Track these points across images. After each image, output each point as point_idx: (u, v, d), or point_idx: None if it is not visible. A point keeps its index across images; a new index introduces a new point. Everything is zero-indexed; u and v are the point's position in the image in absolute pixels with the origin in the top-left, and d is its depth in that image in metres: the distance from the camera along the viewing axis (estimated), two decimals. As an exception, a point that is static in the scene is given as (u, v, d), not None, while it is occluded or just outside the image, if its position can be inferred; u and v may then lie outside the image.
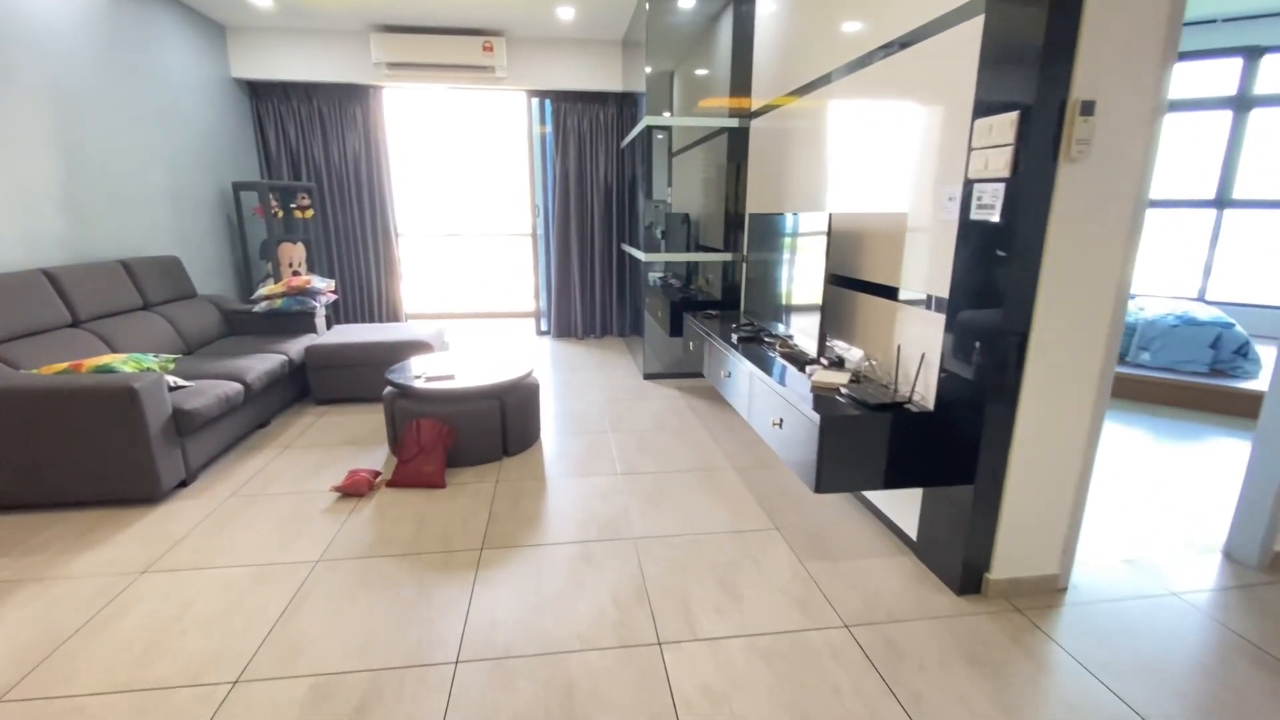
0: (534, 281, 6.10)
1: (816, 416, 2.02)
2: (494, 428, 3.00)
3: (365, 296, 5.76)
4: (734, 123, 4.11)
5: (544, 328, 6.19)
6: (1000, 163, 1.72)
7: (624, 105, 5.61)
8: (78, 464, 2.47)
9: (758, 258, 3.34)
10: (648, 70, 4.51)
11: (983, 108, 1.80)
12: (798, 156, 3.17)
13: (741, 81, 4.02)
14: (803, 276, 2.77)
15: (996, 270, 1.78)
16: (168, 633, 1.83)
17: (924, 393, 2.15)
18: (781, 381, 2.43)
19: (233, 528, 2.41)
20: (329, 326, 5.03)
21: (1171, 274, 5.81)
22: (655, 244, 4.86)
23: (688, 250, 4.59)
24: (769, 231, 3.16)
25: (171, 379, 2.84)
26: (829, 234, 2.46)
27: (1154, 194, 1.78)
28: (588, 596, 1.99)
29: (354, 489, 2.64)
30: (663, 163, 5.83)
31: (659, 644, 1.77)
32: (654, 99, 5.35)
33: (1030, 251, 1.73)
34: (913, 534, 2.26)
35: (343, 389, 3.89)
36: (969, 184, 1.86)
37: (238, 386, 3.07)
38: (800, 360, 2.70)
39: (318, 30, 5.00)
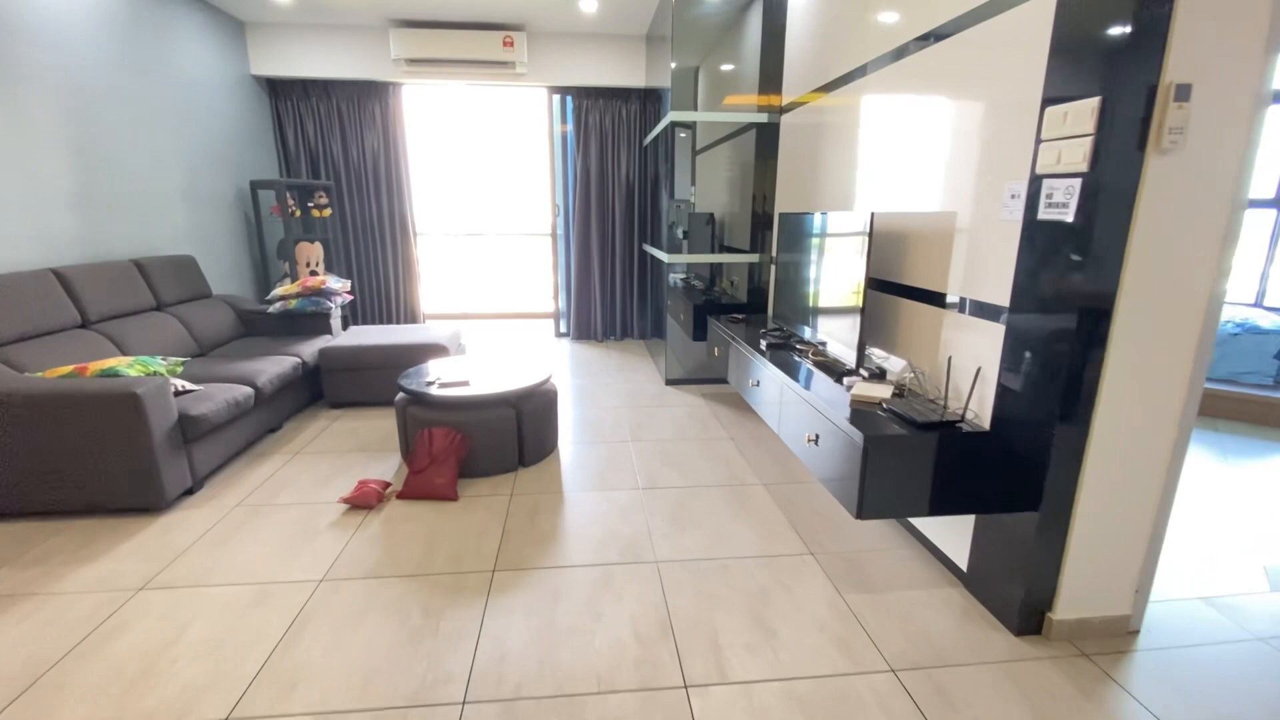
0: (553, 282, 5.97)
1: (859, 435, 1.84)
2: (509, 437, 2.87)
3: (383, 297, 5.68)
4: (763, 118, 3.92)
5: (563, 329, 6.06)
6: (1077, 156, 1.52)
7: (647, 101, 5.45)
8: (80, 472, 2.38)
9: (788, 259, 3.16)
10: (673, 65, 4.34)
11: (1055, 95, 1.61)
12: (832, 153, 2.98)
13: (771, 76, 3.84)
14: (838, 280, 2.58)
15: (1070, 276, 1.58)
16: (160, 659, 1.71)
17: (977, 410, 1.96)
18: (817, 394, 2.25)
19: (236, 541, 2.30)
20: (345, 327, 4.95)
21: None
22: (678, 244, 4.69)
23: (712, 251, 4.41)
24: (800, 232, 2.97)
25: (179, 382, 2.75)
26: (870, 234, 2.28)
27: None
28: (607, 628, 1.83)
29: (362, 501, 2.52)
30: (686, 161, 5.66)
31: (685, 687, 1.61)
32: (678, 95, 5.18)
33: (1110, 255, 1.53)
34: (962, 564, 2.06)
35: (357, 392, 3.79)
36: (1036, 180, 1.67)
37: (248, 390, 2.97)
38: (836, 370, 2.52)
39: (337, 26, 4.92)
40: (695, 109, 5.24)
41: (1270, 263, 5.33)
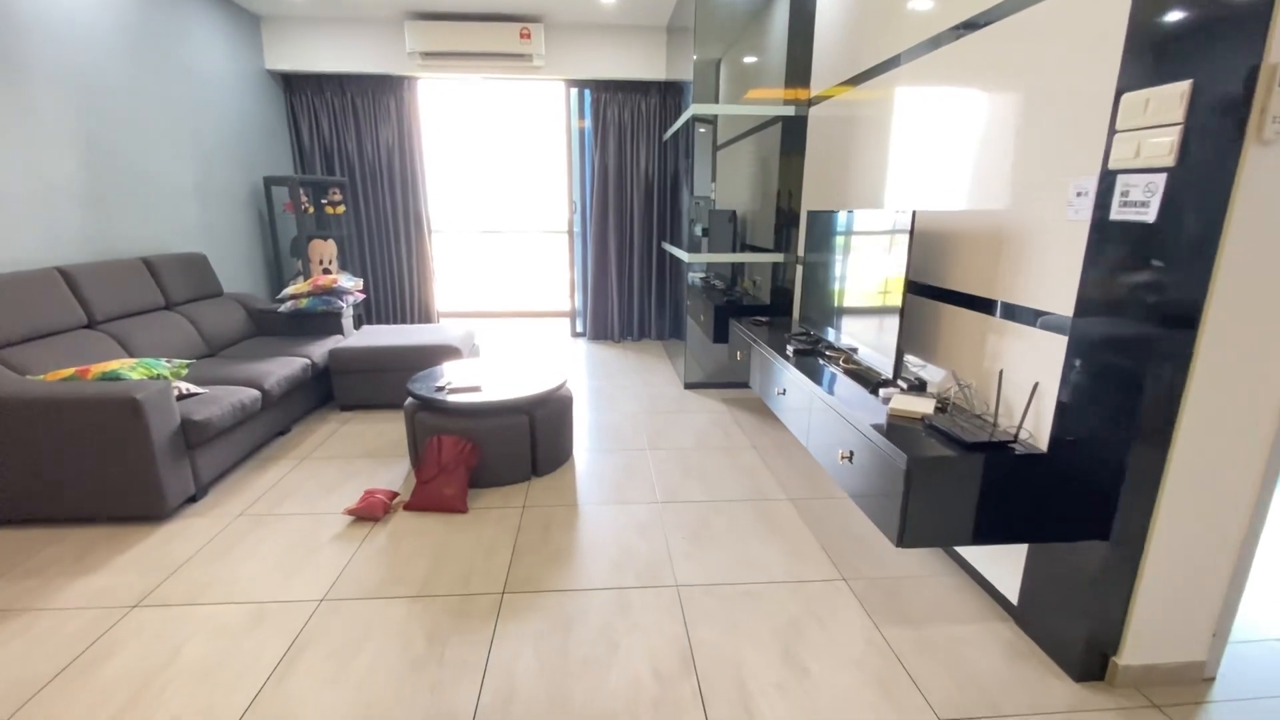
0: (570, 279, 5.84)
1: (902, 457, 1.68)
2: (522, 445, 2.74)
3: (397, 295, 5.59)
4: (789, 111, 3.75)
5: (579, 329, 5.93)
6: (1161, 148, 1.34)
7: (667, 95, 5.29)
8: (80, 479, 2.30)
9: (816, 259, 2.99)
10: (695, 57, 4.18)
11: (1134, 80, 1.42)
12: (866, 148, 2.80)
13: (799, 67, 3.66)
14: (872, 282, 2.41)
15: (1149, 282, 1.40)
16: (149, 686, 1.61)
17: (1032, 429, 1.78)
18: (850, 405, 2.09)
19: (236, 554, 2.19)
20: (358, 326, 4.87)
21: None
22: (698, 243, 4.53)
23: (734, 250, 4.25)
24: (830, 230, 2.80)
25: (184, 385, 2.66)
26: (911, 234, 2.10)
27: None
28: (623, 662, 1.69)
29: (368, 512, 2.41)
30: (706, 157, 5.49)
31: (709, 734, 1.47)
32: (699, 89, 5.02)
33: (1198, 259, 1.35)
34: (1013, 596, 1.88)
35: (367, 395, 3.69)
36: (1108, 176, 1.49)
37: (254, 393, 2.88)
38: (870, 380, 2.35)
39: (352, 19, 4.82)
40: (717, 103, 5.07)
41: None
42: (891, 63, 2.59)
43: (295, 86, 5.09)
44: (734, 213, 4.25)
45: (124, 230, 3.39)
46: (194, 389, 2.69)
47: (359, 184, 5.30)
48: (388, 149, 5.25)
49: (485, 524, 2.40)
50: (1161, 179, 1.35)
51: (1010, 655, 1.73)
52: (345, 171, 5.26)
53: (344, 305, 4.00)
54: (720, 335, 3.95)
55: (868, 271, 2.45)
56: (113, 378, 2.41)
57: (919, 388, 2.22)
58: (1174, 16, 1.33)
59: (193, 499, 2.57)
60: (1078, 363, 1.60)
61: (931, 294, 2.30)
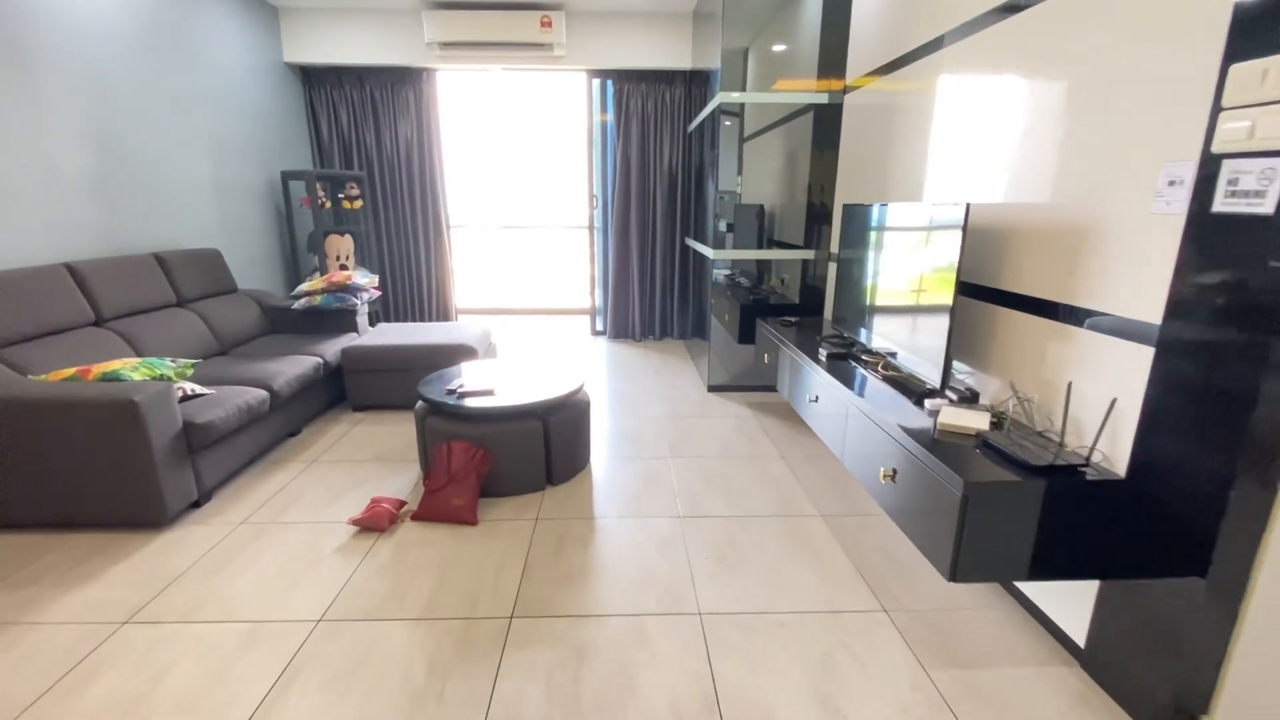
0: (590, 276, 5.69)
1: (958, 480, 1.49)
2: (536, 453, 2.59)
3: (415, 291, 5.50)
4: (823, 99, 3.53)
5: (599, 327, 5.78)
6: (1285, 125, 1.13)
7: (692, 85, 5.09)
8: (79, 484, 2.21)
9: (851, 256, 2.79)
10: (722, 44, 3.98)
11: (1248, 47, 1.21)
12: (907, 137, 2.58)
13: (833, 53, 3.44)
14: (915, 282, 2.20)
15: (1263, 285, 1.19)
16: (133, 713, 1.49)
17: (1107, 451, 1.57)
18: (892, 417, 1.89)
19: (235, 566, 2.08)
20: (374, 324, 4.78)
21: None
22: (723, 239, 4.34)
23: (760, 246, 4.05)
24: (868, 225, 2.59)
25: (189, 386, 2.57)
26: (964, 229, 1.89)
27: None
28: (640, 703, 1.53)
29: (373, 523, 2.29)
30: (732, 149, 5.29)
31: (736, 795, 1.30)
32: (726, 78, 4.81)
33: (1328, 261, 1.13)
34: (1079, 638, 1.68)
35: (380, 395, 3.59)
36: (1211, 161, 1.28)
37: (262, 394, 2.78)
38: (914, 389, 2.15)
39: (370, 10, 4.72)
40: (744, 93, 4.86)
41: None
42: (935, 45, 2.38)
43: (314, 80, 5.01)
44: (761, 207, 4.05)
45: (136, 225, 3.33)
46: (199, 390, 2.60)
47: (377, 179, 5.22)
48: (406, 143, 5.15)
49: (495, 537, 2.26)
50: (1283, 163, 1.14)
51: (1077, 706, 1.53)
52: (364, 166, 5.18)
53: (358, 302, 3.90)
54: (746, 336, 3.76)
55: (911, 270, 2.24)
56: (113, 378, 2.32)
57: (970, 399, 2.01)
58: (1304, -32, 1.12)
59: (196, 504, 2.48)
60: (1168, 377, 1.39)
61: (984, 295, 2.09)
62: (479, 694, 1.55)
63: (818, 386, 2.54)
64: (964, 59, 2.20)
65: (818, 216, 3.70)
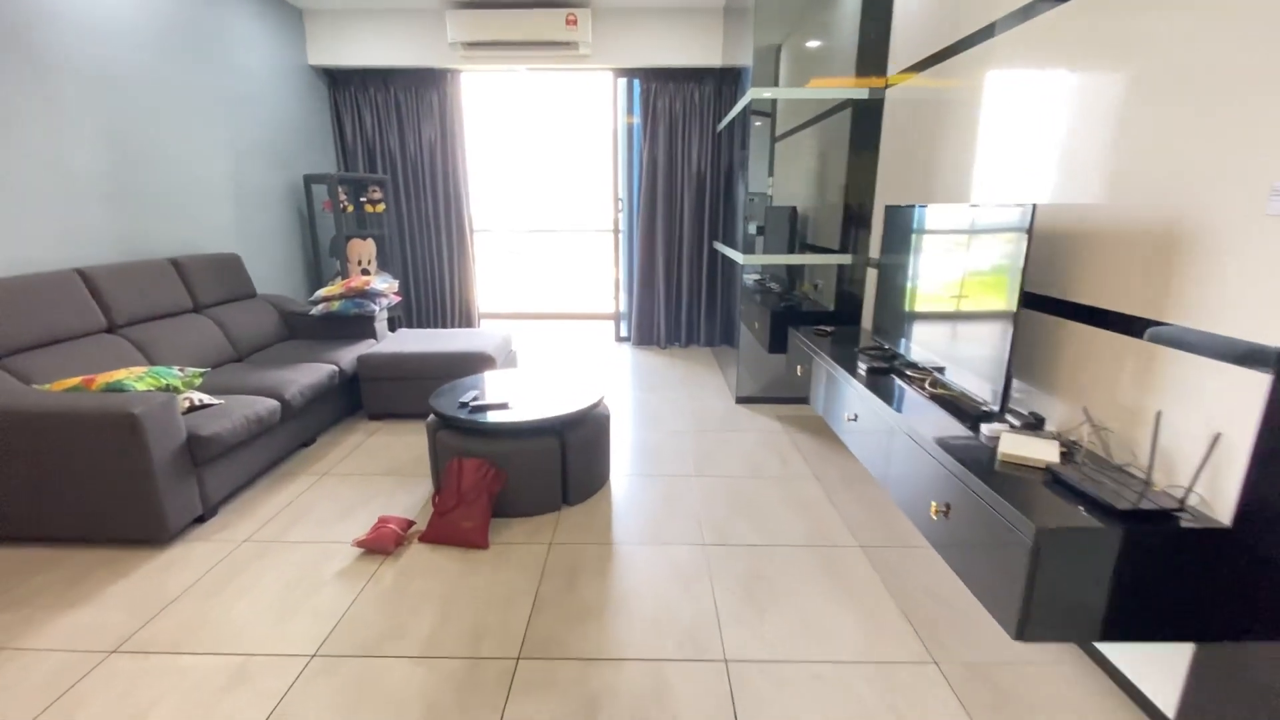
0: (614, 280, 5.53)
1: (1029, 525, 1.28)
2: (552, 471, 2.44)
3: (438, 296, 5.42)
4: (862, 94, 3.32)
5: (623, 333, 5.62)
6: None
7: (722, 83, 4.91)
8: (78, 498, 2.13)
9: (894, 262, 2.57)
10: (754, 39, 3.79)
11: None
12: (957, 133, 2.36)
13: (873, 46, 3.22)
14: (968, 290, 1.99)
15: None
16: (105, 760, 1.38)
17: (1206, 494, 1.34)
18: (943, 443, 1.69)
19: (233, 590, 1.97)
20: (394, 329, 4.70)
21: None
22: (753, 242, 4.14)
23: (793, 250, 3.84)
24: (913, 229, 2.38)
25: (197, 396, 2.49)
26: (1030, 233, 1.68)
27: None
28: (657, 770, 1.35)
29: (378, 545, 2.16)
30: (763, 149, 5.08)
31: None
32: (759, 73, 4.61)
33: None
34: (1168, 708, 1.45)
35: (396, 404, 3.48)
36: (1355, 150, 1.05)
37: (273, 404, 2.68)
38: (968, 411, 1.93)
39: (394, 10, 4.65)
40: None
41: None
42: (986, 33, 2.16)
43: (339, 82, 4.97)
44: (794, 210, 3.85)
45: (154, 230, 3.28)
46: (208, 399, 2.51)
47: (400, 182, 5.15)
48: (430, 145, 5.07)
49: (505, 564, 2.11)
50: None
51: (1172, 794, 1.30)
52: (388, 169, 5.12)
53: (377, 308, 3.81)
54: (777, 345, 3.56)
55: (963, 277, 2.02)
56: (116, 389, 2.24)
57: (1034, 425, 1.79)
58: None
59: (201, 519, 2.38)
60: (1290, 412, 1.17)
61: (1048, 307, 1.86)
62: (478, 751, 1.40)
63: (857, 403, 2.34)
64: (1020, 48, 1.97)
65: (854, 219, 3.48)
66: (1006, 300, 1.77)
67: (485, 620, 1.83)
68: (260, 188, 4.18)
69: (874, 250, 3.19)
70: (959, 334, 2.07)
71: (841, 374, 2.51)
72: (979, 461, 1.61)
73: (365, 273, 4.74)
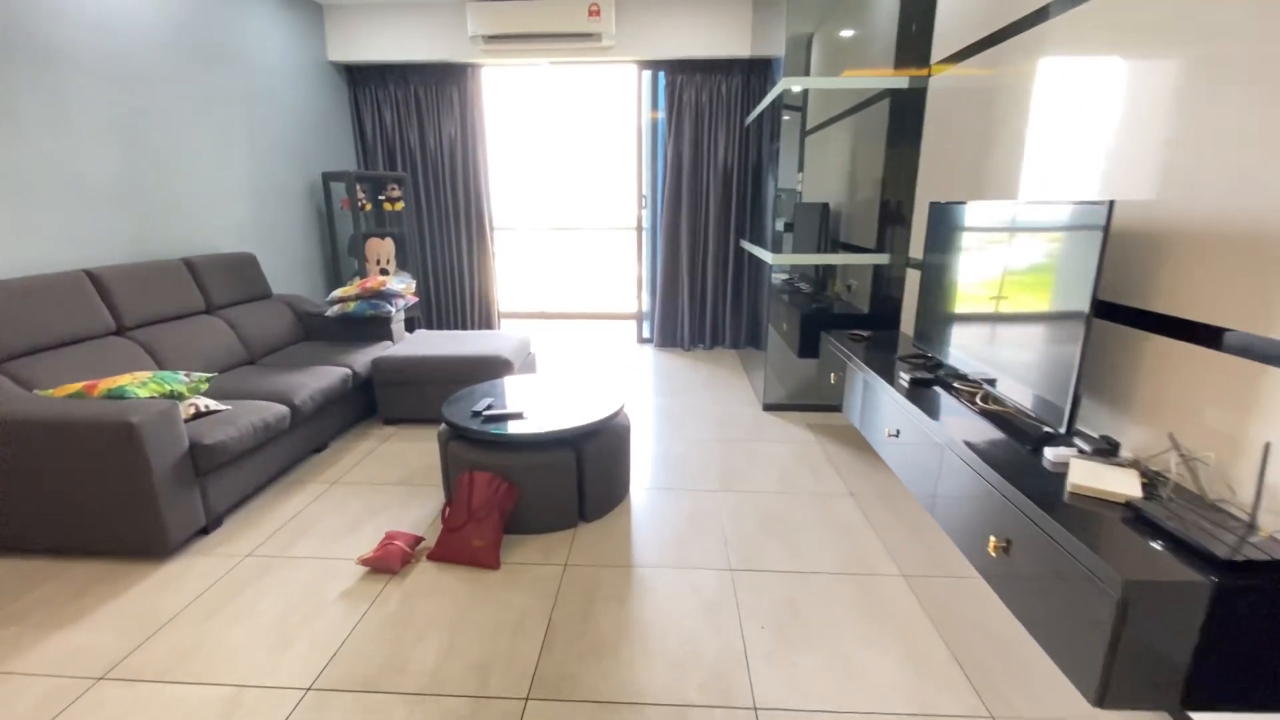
0: (637, 279, 5.37)
1: (1114, 576, 1.10)
2: (568, 485, 2.29)
3: (457, 296, 5.33)
4: (902, 83, 3.11)
5: (645, 334, 5.46)
6: None
7: (751, 75, 4.71)
8: (77, 509, 2.06)
9: (940, 262, 2.37)
10: (787, 27, 3.59)
11: None
12: (1010, 124, 2.15)
13: (915, 31, 3.01)
14: (1031, 296, 1.79)
15: None
16: (80, 805, 1.27)
17: (1334, 542, 1.14)
18: (1000, 468, 1.50)
19: (231, 610, 1.87)
20: (411, 330, 4.61)
21: None
22: (781, 240, 3.95)
23: (824, 249, 3.64)
24: (962, 227, 2.17)
25: (203, 402, 2.40)
26: (1105, 233, 1.48)
27: None
28: (679, 843, 1.20)
29: (384, 564, 2.04)
30: (792, 144, 4.87)
31: None
32: (790, 65, 4.41)
33: None
34: (1278, 789, 1.24)
35: (411, 408, 3.38)
36: None
37: (282, 410, 2.59)
38: (1027, 432, 1.73)
39: (414, 4, 4.55)
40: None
41: None
42: (1041, 15, 1.94)
43: (359, 78, 4.89)
44: (825, 206, 3.64)
45: (168, 230, 3.22)
46: (214, 405, 2.43)
47: (420, 179, 5.06)
48: (450, 142, 4.97)
49: (517, 587, 1.97)
50: None
51: None
52: (408, 166, 5.03)
53: (393, 309, 3.72)
54: (808, 349, 3.37)
55: (1022, 281, 1.82)
56: (118, 395, 2.15)
57: (1106, 451, 1.58)
58: None
59: (204, 530, 2.30)
60: None
61: (1125, 317, 1.65)
62: (479, 811, 1.26)
63: (898, 417, 2.15)
64: (1086, 27, 1.76)
65: (892, 216, 3.27)
66: (1074, 308, 1.57)
67: (493, 651, 1.69)
68: (278, 186, 4.11)
69: (914, 250, 2.98)
70: (1015, 343, 1.87)
71: (881, 384, 2.32)
72: (1046, 492, 1.42)
73: (384, 272, 4.66)
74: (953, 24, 2.65)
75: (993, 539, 1.50)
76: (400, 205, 4.80)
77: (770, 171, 4.06)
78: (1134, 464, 1.51)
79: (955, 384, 2.18)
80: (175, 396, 2.30)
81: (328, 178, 4.49)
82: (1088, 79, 1.80)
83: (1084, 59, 1.82)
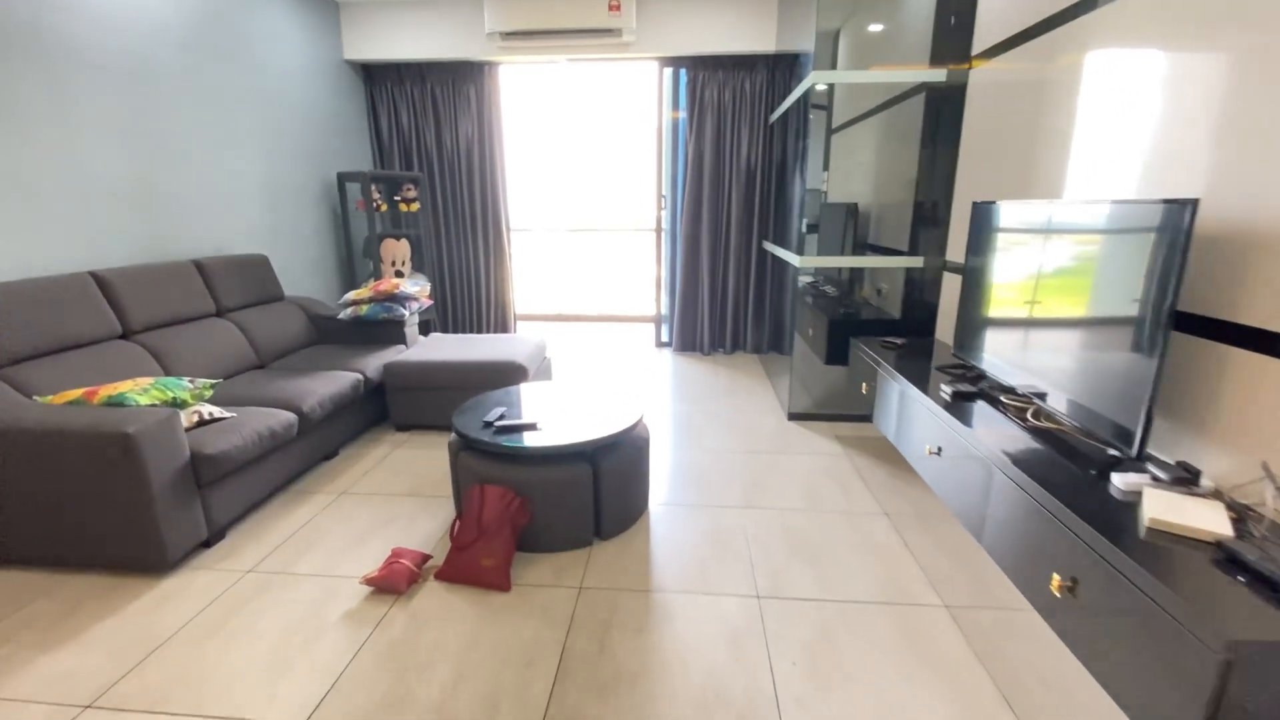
0: (655, 280, 5.23)
1: (1216, 635, 0.94)
2: (584, 501, 2.17)
3: (473, 298, 5.24)
4: (939, 76, 2.94)
5: (664, 338, 5.32)
6: None
7: (775, 71, 4.55)
8: (75, 521, 1.98)
9: (983, 266, 2.20)
10: (817, 20, 3.44)
11: None
12: (1068, 117, 1.98)
13: (953, 22, 2.84)
14: (1085, 303, 1.63)
15: None
16: None
17: None
18: (1062, 495, 1.34)
19: (228, 632, 1.77)
20: (426, 333, 4.53)
21: None
22: (809, 242, 3.78)
23: (853, 252, 3.49)
24: (1011, 229, 2.01)
25: (207, 409, 2.31)
26: (1188, 235, 1.32)
27: None
28: None
29: (389, 584, 1.93)
30: (818, 143, 4.70)
31: None
32: (818, 60, 4.25)
33: None
34: None
35: (424, 414, 3.28)
36: None
37: (289, 418, 2.50)
38: (1088, 455, 1.57)
39: (431, 1, 4.47)
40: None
41: None
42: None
43: (375, 77, 4.83)
44: (854, 207, 3.48)
45: (180, 231, 3.16)
46: (218, 413, 2.34)
47: (436, 179, 4.98)
48: (467, 141, 4.88)
49: (529, 612, 1.85)
50: None
51: None
52: (424, 166, 4.95)
53: (406, 313, 3.63)
54: (835, 355, 3.21)
55: (1081, 287, 1.66)
56: (117, 403, 2.07)
57: (1186, 480, 1.41)
58: None
59: (207, 543, 2.21)
60: None
61: (1203, 329, 1.48)
62: None
63: (940, 433, 1.99)
64: (1158, 9, 1.59)
65: (926, 217, 3.10)
66: (1146, 317, 1.41)
67: (502, 684, 1.57)
68: (292, 186, 4.05)
69: (952, 252, 2.81)
70: (1071, 354, 1.70)
71: (918, 396, 2.16)
72: (1118, 526, 1.26)
73: (399, 274, 4.58)
74: (996, 14, 2.48)
75: (1056, 577, 1.34)
76: (416, 206, 4.72)
77: (798, 170, 3.90)
78: (1217, 495, 1.35)
79: (1002, 398, 2.02)
80: (178, 404, 2.22)
81: (343, 178, 4.42)
82: (1156, 67, 1.63)
83: (1149, 47, 1.65)
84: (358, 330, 3.65)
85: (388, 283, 3.61)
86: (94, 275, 2.58)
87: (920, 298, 3.15)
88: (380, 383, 3.26)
